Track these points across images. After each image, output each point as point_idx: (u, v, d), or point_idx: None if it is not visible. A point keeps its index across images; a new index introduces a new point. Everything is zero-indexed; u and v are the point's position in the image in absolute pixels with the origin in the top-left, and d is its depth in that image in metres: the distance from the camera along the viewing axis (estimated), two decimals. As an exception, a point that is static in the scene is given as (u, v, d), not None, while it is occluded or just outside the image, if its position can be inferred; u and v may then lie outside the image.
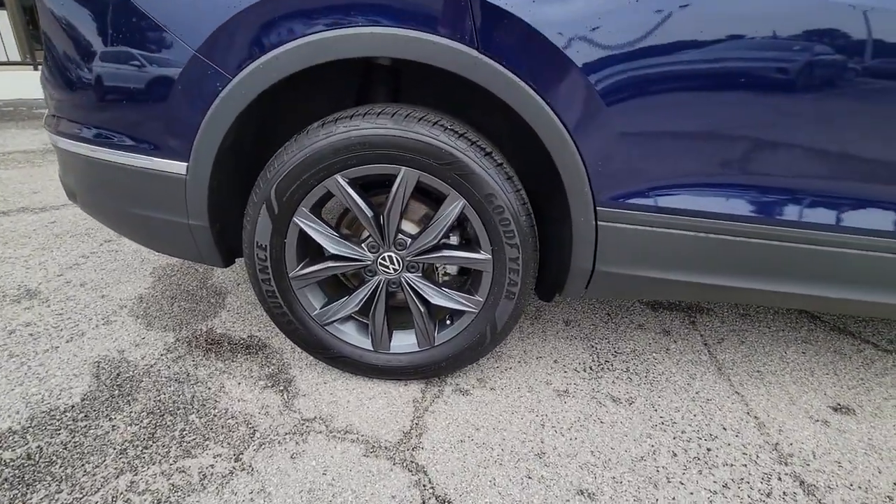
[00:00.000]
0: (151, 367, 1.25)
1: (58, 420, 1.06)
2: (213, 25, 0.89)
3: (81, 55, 0.99)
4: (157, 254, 1.87)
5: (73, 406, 1.10)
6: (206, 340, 1.37)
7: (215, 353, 1.32)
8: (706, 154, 0.94)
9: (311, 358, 1.31)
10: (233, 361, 1.29)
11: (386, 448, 1.05)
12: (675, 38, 0.85)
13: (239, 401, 1.16)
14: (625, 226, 1.00)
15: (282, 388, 1.21)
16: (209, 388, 1.19)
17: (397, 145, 0.96)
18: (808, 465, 1.07)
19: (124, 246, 1.93)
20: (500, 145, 1.07)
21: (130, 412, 1.09)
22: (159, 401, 1.14)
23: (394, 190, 1.02)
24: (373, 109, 0.98)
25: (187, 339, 1.37)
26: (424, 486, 0.96)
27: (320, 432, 1.08)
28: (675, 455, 1.07)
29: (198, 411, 1.11)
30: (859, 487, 1.02)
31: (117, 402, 1.12)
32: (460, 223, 1.12)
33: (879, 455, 1.11)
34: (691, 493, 0.98)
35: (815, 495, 0.99)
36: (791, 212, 0.98)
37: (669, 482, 1.00)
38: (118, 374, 1.21)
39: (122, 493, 0.90)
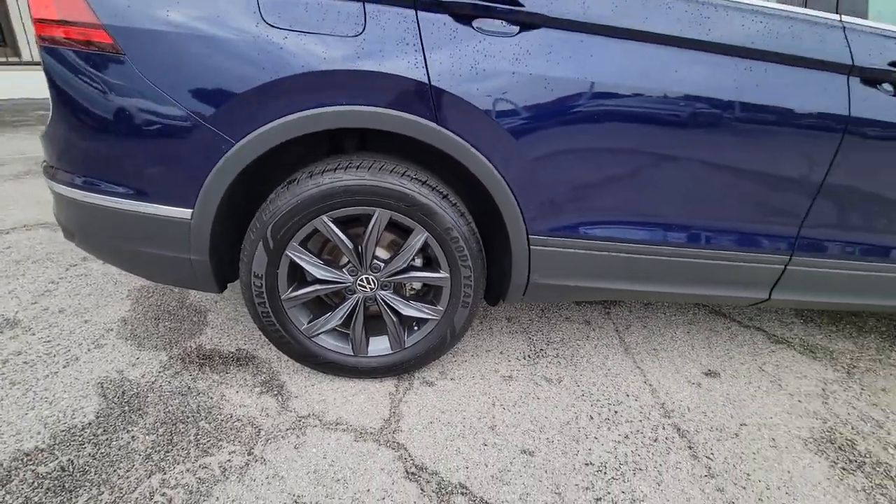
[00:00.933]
0: (153, 383, 1.41)
1: (79, 436, 1.21)
2: (222, 101, 1.08)
3: (99, 120, 1.13)
4: (127, 276, 1.96)
5: (89, 423, 1.25)
6: (198, 356, 1.54)
7: (209, 367, 1.50)
8: (602, 198, 1.28)
9: (298, 365, 1.53)
10: (227, 373, 1.48)
11: (371, 433, 1.30)
12: (573, 117, 1.17)
13: (240, 406, 1.36)
14: (550, 249, 1.32)
15: (276, 392, 1.42)
16: (211, 398, 1.38)
17: (373, 192, 1.21)
18: (684, 416, 1.46)
19: (92, 270, 2.00)
20: (454, 187, 1.35)
21: (145, 424, 1.27)
22: (169, 412, 1.31)
23: (370, 226, 1.26)
24: (352, 163, 1.21)
25: (180, 356, 1.53)
26: (405, 459, 1.23)
27: (315, 426, 1.31)
28: (592, 418, 1.42)
29: (206, 418, 1.31)
30: (716, 429, 1.42)
31: (130, 416, 1.28)
32: (423, 248, 1.39)
33: (733, 405, 1.54)
34: (602, 445, 1.33)
35: (686, 437, 1.38)
36: (666, 237, 1.34)
37: (587, 438, 1.35)
38: (123, 392, 1.36)
39: (157, 489, 1.10)
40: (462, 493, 1.15)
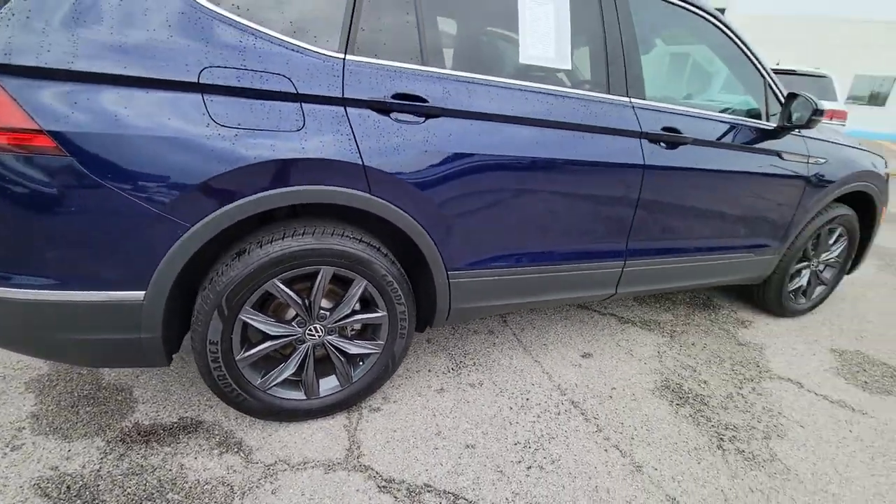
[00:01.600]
0: (99, 471, 1.38)
1: (35, 541, 1.17)
2: (178, 191, 1.19)
3: (42, 219, 1.14)
4: (16, 369, 1.78)
5: (41, 526, 1.21)
6: (139, 434, 1.53)
7: (156, 441, 1.50)
8: (499, 236, 1.67)
9: (249, 420, 1.62)
10: (177, 443, 1.51)
11: (339, 462, 1.48)
12: (470, 180, 1.54)
13: (204, 470, 1.42)
14: (465, 280, 1.67)
15: (235, 449, 1.50)
16: (170, 470, 1.41)
17: (319, 254, 1.41)
18: (574, 391, 1.92)
19: (-37, 368, 1.76)
20: (381, 238, 1.61)
21: (108, 511, 1.26)
22: (129, 494, 1.32)
23: (317, 282, 1.46)
24: (297, 231, 1.40)
25: (119, 438, 1.50)
26: (374, 476, 1.44)
27: (285, 469, 1.44)
28: (511, 408, 1.79)
29: (172, 489, 1.34)
30: (597, 396, 1.91)
31: (87, 508, 1.26)
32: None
33: (604, 375, 2.05)
34: (523, 426, 1.70)
35: (578, 407, 1.83)
36: (545, 260, 1.79)
37: (511, 424, 1.71)
38: (69, 487, 1.32)
39: (147, 565, 1.14)
40: (428, 491, 1.41)
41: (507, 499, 1.41)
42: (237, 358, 1.45)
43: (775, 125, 2.15)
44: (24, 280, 1.18)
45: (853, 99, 20.52)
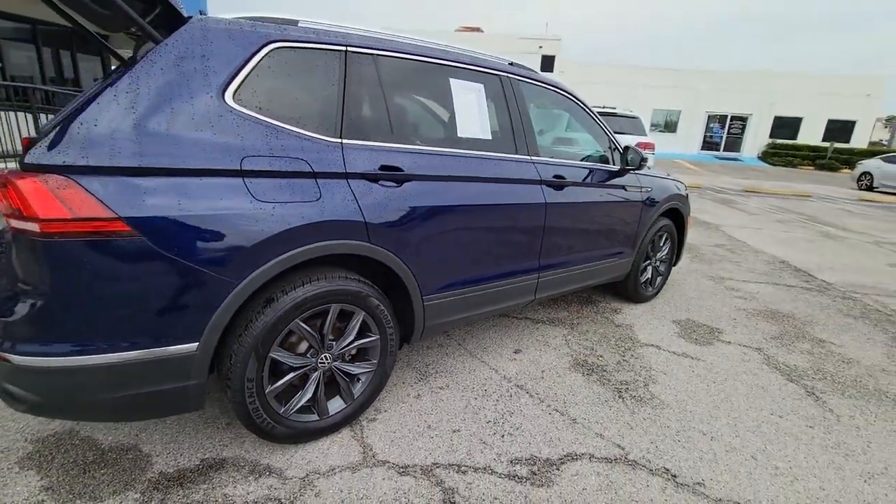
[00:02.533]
0: (149, 515, 1.52)
1: (123, 579, 1.31)
2: (230, 255, 1.47)
3: (108, 291, 1.33)
4: (3, 448, 1.73)
5: (121, 567, 1.34)
6: (168, 480, 1.67)
7: (189, 483, 1.66)
8: (457, 266, 2.19)
9: (269, 448, 1.85)
10: (211, 479, 1.68)
11: (360, 463, 1.81)
12: (435, 225, 2.04)
13: (248, 493, 1.63)
14: (435, 302, 2.14)
15: (267, 473, 1.73)
16: (217, 500, 1.60)
17: (331, 294, 1.77)
18: (517, 378, 2.49)
19: (-72, 464, 1.66)
20: (373, 277, 1.99)
21: (178, 541, 1.43)
22: (189, 525, 1.49)
23: (328, 318, 1.81)
24: (313, 277, 1.74)
25: (152, 487, 1.63)
26: (392, 467, 1.81)
27: (318, 477, 1.73)
28: (476, 398, 2.29)
29: (227, 513, 1.55)
30: (533, 378, 2.50)
31: (157, 544, 1.42)
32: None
33: (534, 364, 2.66)
34: (489, 410, 2.21)
35: (523, 388, 2.40)
36: (486, 279, 2.35)
37: (481, 409, 2.20)
38: (127, 534, 1.44)
39: (238, 568, 1.36)
40: (437, 467, 1.82)
41: (493, 459, 1.89)
42: (266, 391, 1.71)
43: (619, 167, 3.07)
44: (101, 346, 1.35)
45: (654, 126, 25.90)
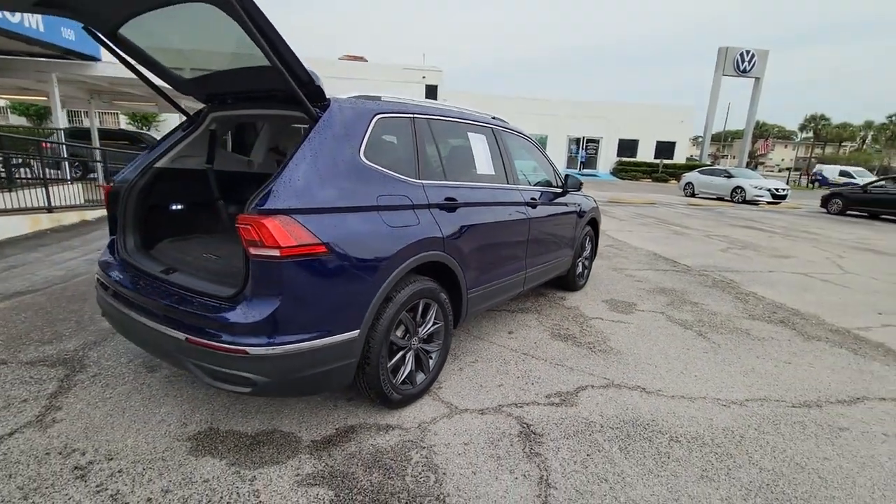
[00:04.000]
0: (331, 459, 2.03)
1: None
2: (382, 260, 2.10)
3: (317, 295, 1.87)
4: (166, 447, 2.05)
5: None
6: (321, 444, 2.17)
7: (336, 444, 2.18)
8: (486, 267, 2.99)
9: (380, 411, 2.42)
10: (351, 439, 2.22)
11: (450, 413, 2.49)
12: (475, 238, 2.84)
13: (389, 440, 2.22)
14: (472, 295, 2.91)
15: (391, 428, 2.32)
16: (372, 446, 2.15)
17: (422, 292, 2.45)
18: (519, 349, 3.35)
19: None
20: (438, 278, 2.68)
21: (370, 482, 1.99)
22: (364, 462, 2.04)
23: (419, 310, 2.48)
24: (410, 280, 2.40)
25: (313, 449, 2.12)
26: (471, 411, 2.52)
27: (428, 425, 2.37)
28: (500, 365, 3.09)
29: (386, 454, 2.13)
30: (531, 346, 3.38)
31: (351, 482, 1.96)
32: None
33: (526, 339, 3.55)
34: (512, 370, 3.02)
35: (527, 354, 3.27)
36: (500, 277, 3.19)
37: (506, 372, 3.00)
38: (329, 475, 1.95)
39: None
40: (502, 406, 2.58)
41: (534, 396, 2.70)
42: (388, 367, 2.32)
43: (562, 189, 4.16)
44: (309, 334, 1.89)
45: (529, 150, 29.23)
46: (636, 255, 6.95)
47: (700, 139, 37.52)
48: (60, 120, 8.92)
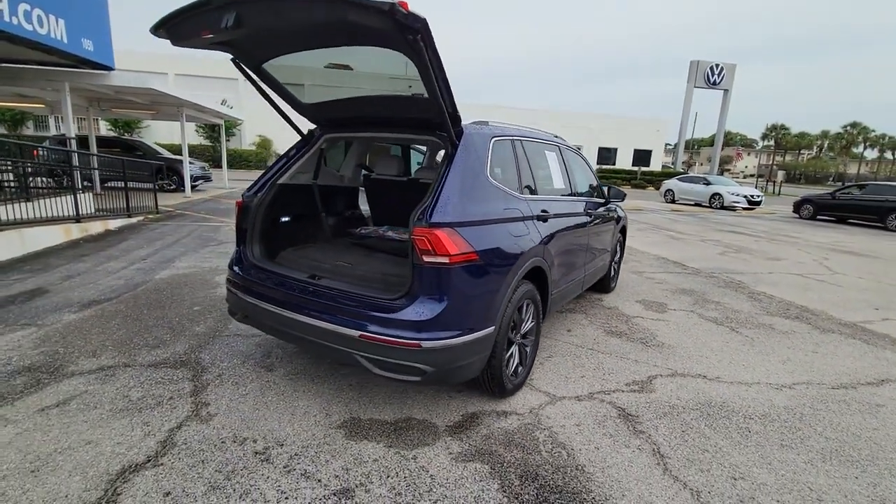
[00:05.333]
0: (481, 436, 2.32)
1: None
2: (512, 262, 2.42)
3: (472, 295, 2.17)
4: (323, 435, 2.29)
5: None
6: (455, 428, 2.45)
7: (466, 430, 2.48)
8: (563, 270, 3.34)
9: (492, 400, 2.72)
10: (481, 422, 2.52)
11: (551, 400, 2.81)
12: (559, 243, 3.18)
13: (511, 423, 2.52)
14: (554, 294, 3.25)
15: (507, 414, 2.63)
16: (500, 428, 2.45)
17: (527, 293, 2.77)
18: (580, 344, 3.71)
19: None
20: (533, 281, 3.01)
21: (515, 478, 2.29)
22: (498, 440, 2.35)
23: (524, 308, 2.80)
24: (520, 285, 2.72)
25: (452, 431, 2.41)
26: (569, 398, 2.85)
27: (538, 410, 2.68)
28: (575, 358, 3.43)
29: (517, 434, 2.43)
30: (587, 341, 3.75)
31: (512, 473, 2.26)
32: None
33: (582, 335, 3.91)
34: (586, 363, 3.37)
35: (584, 347, 3.63)
36: (571, 278, 3.54)
37: (583, 365, 3.35)
38: (470, 452, 2.25)
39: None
40: (593, 394, 2.92)
41: (616, 385, 3.05)
42: (505, 359, 2.63)
43: (605, 199, 4.56)
44: (466, 329, 2.19)
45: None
46: (646, 259, 7.44)
47: (672, 147, 39.26)
48: (71, 129, 8.83)
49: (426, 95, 2.20)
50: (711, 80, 32.41)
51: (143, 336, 3.40)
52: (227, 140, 17.20)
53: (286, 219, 3.11)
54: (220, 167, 18.24)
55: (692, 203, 20.41)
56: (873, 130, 72.79)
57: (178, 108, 12.13)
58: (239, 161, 28.06)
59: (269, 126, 29.47)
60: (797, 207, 17.08)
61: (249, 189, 2.87)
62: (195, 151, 25.22)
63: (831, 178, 72.35)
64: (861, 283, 6.55)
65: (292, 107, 2.89)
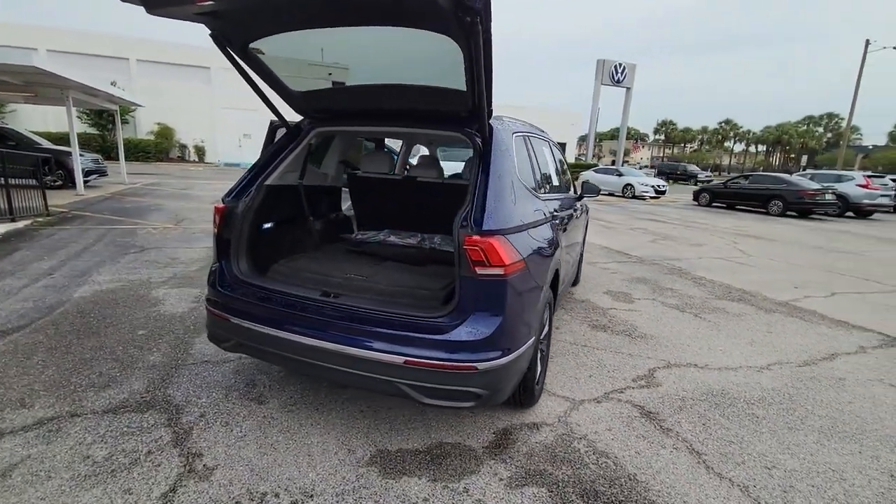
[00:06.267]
0: (528, 453, 2.16)
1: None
2: (545, 273, 2.27)
3: (523, 308, 1.99)
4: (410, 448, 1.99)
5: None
6: (492, 447, 2.28)
7: (504, 446, 2.31)
8: (565, 270, 3.28)
9: (519, 412, 2.58)
10: (517, 437, 2.37)
11: (573, 406, 2.74)
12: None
13: (545, 433, 2.40)
14: (559, 294, 3.18)
15: (539, 426, 2.50)
16: (538, 443, 2.32)
17: (547, 296, 2.67)
18: (576, 342, 3.71)
19: None
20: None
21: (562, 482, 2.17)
22: (534, 454, 2.22)
23: (546, 313, 2.69)
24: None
25: (491, 450, 2.23)
26: (589, 400, 2.80)
27: (565, 417, 2.60)
28: (574, 358, 3.41)
29: (557, 445, 2.31)
30: (584, 339, 3.77)
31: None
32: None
33: (576, 333, 3.92)
34: (586, 363, 3.37)
35: (587, 347, 3.64)
36: (569, 274, 3.50)
37: (585, 365, 3.35)
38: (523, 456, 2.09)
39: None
40: (609, 394, 2.90)
41: (623, 382, 3.07)
42: (536, 368, 2.50)
43: (579, 195, 4.59)
44: (516, 344, 2.01)
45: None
46: (593, 249, 7.76)
47: (582, 140, 41.93)
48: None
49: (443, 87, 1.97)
50: (615, 79, 34.92)
51: (83, 373, 2.76)
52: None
53: (268, 225, 2.68)
54: (116, 159, 16.00)
55: (606, 193, 21.90)
56: (741, 126, 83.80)
57: (64, 91, 10.31)
58: (136, 152, 24.82)
59: (170, 112, 26.46)
60: (696, 196, 19.03)
61: (232, 192, 2.40)
62: (80, 141, 21.92)
63: (709, 169, 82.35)
64: (774, 265, 7.40)
65: (280, 95, 2.47)
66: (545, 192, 2.88)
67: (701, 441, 2.45)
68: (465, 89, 2.01)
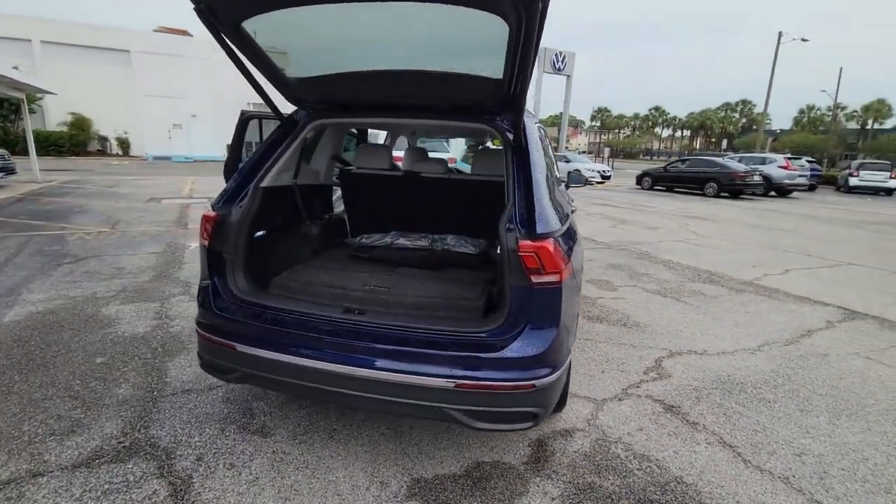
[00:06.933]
0: (567, 460, 2.04)
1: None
2: (579, 278, 2.13)
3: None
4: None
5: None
6: (532, 460, 2.14)
7: (546, 457, 2.18)
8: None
9: (549, 418, 2.46)
10: (553, 447, 2.24)
11: (598, 406, 2.66)
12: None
13: (581, 444, 2.30)
14: (569, 292, 3.08)
15: (571, 432, 2.39)
16: (576, 451, 2.21)
17: (570, 297, 2.55)
18: (579, 336, 3.66)
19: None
20: None
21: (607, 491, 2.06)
22: (577, 464, 2.11)
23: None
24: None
25: (532, 465, 2.09)
26: (611, 398, 2.73)
27: (593, 420, 2.50)
28: (582, 354, 3.34)
29: (596, 450, 2.21)
30: (584, 333, 3.71)
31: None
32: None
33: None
34: (595, 359, 3.31)
35: (591, 340, 3.59)
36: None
37: (595, 359, 3.28)
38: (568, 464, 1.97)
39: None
40: (625, 390, 2.85)
41: (636, 375, 3.04)
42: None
43: (566, 183, 4.52)
44: (565, 356, 1.86)
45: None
46: (561, 237, 7.83)
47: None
48: None
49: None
50: (557, 67, 35.65)
51: (37, 418, 2.30)
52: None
53: (261, 233, 2.34)
54: (22, 154, 14.15)
55: (556, 179, 22.45)
56: (668, 113, 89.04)
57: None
58: (47, 146, 22.08)
59: (85, 101, 23.80)
60: (639, 180, 19.93)
61: (223, 197, 2.05)
62: (-28, 134, 19.24)
63: (641, 154, 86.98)
64: (726, 245, 7.83)
65: (272, 81, 2.12)
66: (558, 186, 2.74)
67: (728, 432, 2.45)
68: (500, 77, 1.80)
